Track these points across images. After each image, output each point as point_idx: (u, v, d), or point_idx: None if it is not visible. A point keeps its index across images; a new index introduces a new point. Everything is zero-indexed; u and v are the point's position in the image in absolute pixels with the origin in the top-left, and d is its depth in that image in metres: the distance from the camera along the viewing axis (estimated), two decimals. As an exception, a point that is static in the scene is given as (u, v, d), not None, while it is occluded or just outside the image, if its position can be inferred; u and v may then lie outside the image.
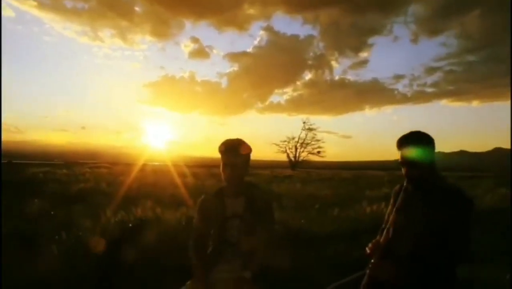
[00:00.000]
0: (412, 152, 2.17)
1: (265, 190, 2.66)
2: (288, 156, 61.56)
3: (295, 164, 59.69)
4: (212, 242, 2.58)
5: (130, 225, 4.38)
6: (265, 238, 2.49)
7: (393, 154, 2.30)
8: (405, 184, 2.33)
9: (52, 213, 6.81)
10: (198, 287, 2.40)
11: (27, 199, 8.51)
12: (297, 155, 61.38)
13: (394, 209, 2.35)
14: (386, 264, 2.16)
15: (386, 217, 2.48)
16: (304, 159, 61.62)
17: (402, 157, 2.21)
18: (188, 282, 2.50)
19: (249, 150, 2.48)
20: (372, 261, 2.25)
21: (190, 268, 2.60)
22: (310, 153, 61.38)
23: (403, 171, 2.24)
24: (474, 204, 2.13)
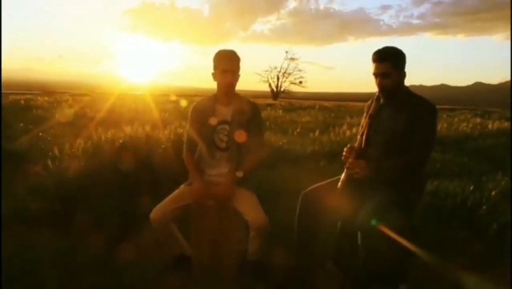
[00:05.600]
0: (385, 64, 2.41)
1: (253, 102, 2.83)
2: (270, 85, 61.34)
3: (277, 94, 59.55)
4: (201, 146, 2.73)
5: (121, 141, 4.57)
6: (254, 145, 2.69)
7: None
8: (377, 94, 2.58)
9: (40, 134, 6.93)
10: (195, 187, 2.57)
11: (11, 123, 8.56)
12: (279, 84, 61.21)
13: (368, 116, 2.61)
14: (361, 162, 2.44)
15: (360, 126, 2.74)
16: (286, 88, 61.54)
17: (376, 68, 2.45)
18: (182, 185, 2.70)
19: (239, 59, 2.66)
20: (348, 161, 2.52)
21: (182, 174, 2.82)
22: (292, 82, 61.22)
23: (376, 81, 2.48)
24: (436, 109, 2.43)
